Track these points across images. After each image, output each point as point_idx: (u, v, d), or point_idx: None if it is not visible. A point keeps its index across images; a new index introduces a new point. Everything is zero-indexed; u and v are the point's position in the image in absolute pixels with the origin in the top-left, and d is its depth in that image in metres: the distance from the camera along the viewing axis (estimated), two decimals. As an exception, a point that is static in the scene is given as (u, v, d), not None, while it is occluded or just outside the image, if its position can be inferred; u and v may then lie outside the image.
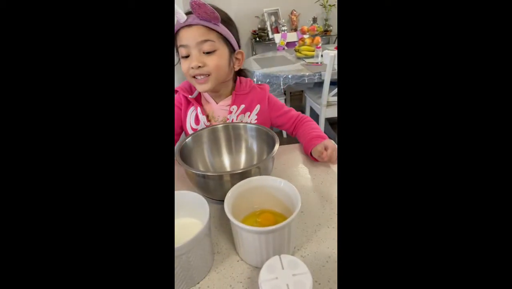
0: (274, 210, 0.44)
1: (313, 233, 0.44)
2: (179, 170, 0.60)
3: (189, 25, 0.59)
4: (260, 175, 0.46)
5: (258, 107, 0.71)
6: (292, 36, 2.55)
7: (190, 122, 0.71)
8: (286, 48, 2.51)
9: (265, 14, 2.91)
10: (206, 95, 0.71)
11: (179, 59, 0.68)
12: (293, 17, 2.99)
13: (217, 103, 0.71)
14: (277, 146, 0.50)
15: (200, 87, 0.65)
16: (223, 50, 0.63)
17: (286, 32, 2.63)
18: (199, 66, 0.61)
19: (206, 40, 0.59)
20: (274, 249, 0.37)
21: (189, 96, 0.69)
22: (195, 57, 0.61)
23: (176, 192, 0.43)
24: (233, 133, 0.61)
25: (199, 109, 0.69)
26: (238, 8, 2.80)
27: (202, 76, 0.63)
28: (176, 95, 0.72)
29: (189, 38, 0.60)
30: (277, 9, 2.93)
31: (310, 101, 1.95)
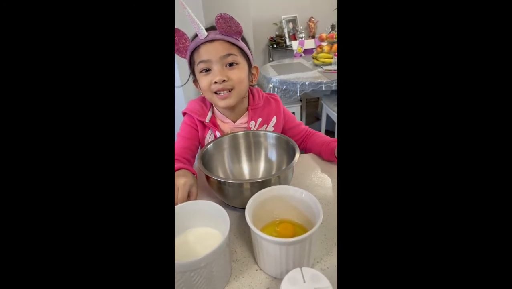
0: (293, 220, 0.44)
1: (333, 246, 0.43)
2: (199, 174, 0.61)
3: (211, 41, 0.59)
4: (279, 184, 0.46)
5: (274, 119, 0.71)
6: (309, 43, 2.55)
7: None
8: (303, 55, 2.51)
9: (283, 21, 2.93)
10: (221, 115, 0.69)
11: (188, 79, 0.68)
12: (311, 24, 2.99)
13: (234, 122, 0.69)
14: (297, 156, 0.50)
15: (222, 103, 0.63)
16: (244, 65, 0.63)
17: (303, 39, 2.63)
18: (224, 81, 0.60)
19: (229, 54, 0.60)
20: (294, 261, 0.36)
21: (205, 120, 0.67)
22: (218, 71, 0.60)
23: (196, 201, 0.43)
24: (253, 141, 0.62)
25: (217, 132, 0.67)
26: (257, 15, 2.83)
27: (224, 92, 0.62)
28: (187, 117, 0.70)
29: (211, 53, 0.59)
30: (295, 16, 2.95)
31: (326, 108, 1.93)
